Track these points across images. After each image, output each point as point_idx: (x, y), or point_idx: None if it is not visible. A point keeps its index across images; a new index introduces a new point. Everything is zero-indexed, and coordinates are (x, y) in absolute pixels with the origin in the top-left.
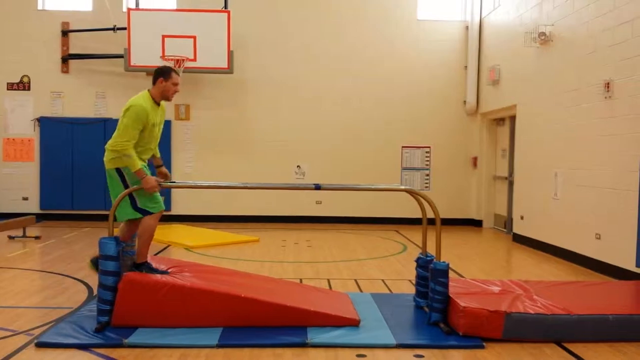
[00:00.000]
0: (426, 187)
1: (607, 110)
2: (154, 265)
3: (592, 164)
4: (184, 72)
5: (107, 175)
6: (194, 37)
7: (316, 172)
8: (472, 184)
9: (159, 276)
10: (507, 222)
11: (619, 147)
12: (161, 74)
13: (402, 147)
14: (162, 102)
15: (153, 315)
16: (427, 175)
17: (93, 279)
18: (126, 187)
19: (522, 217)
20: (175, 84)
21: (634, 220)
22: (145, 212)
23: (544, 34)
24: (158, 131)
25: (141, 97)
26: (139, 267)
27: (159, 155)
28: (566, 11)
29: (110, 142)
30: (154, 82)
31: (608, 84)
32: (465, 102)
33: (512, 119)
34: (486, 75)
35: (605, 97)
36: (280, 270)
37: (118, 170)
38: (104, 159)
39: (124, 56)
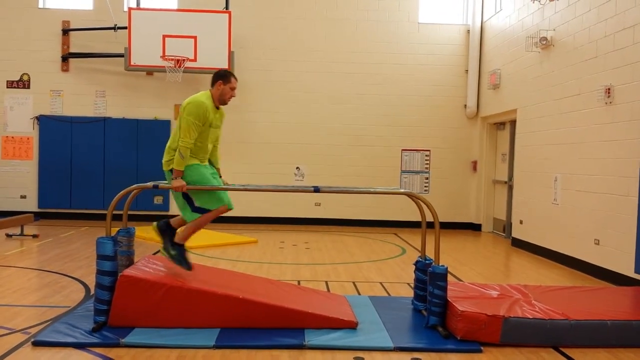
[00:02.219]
0: (425, 190)
1: (608, 116)
2: (185, 254)
3: (592, 169)
4: (184, 72)
5: (167, 177)
6: (195, 38)
7: (315, 174)
8: (471, 188)
9: (156, 276)
10: (506, 227)
11: (619, 152)
12: (220, 77)
13: (402, 150)
14: (222, 107)
15: (150, 315)
16: (427, 178)
17: (90, 279)
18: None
19: (521, 222)
20: (233, 89)
21: (633, 226)
22: (204, 211)
23: (545, 38)
24: (216, 134)
25: (202, 94)
26: (175, 246)
27: (219, 165)
28: (568, 16)
29: (170, 141)
30: (213, 84)
31: (609, 89)
32: (465, 105)
33: (513, 123)
34: (487, 79)
35: (606, 103)
36: (278, 272)
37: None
38: (163, 160)
39: (125, 55)
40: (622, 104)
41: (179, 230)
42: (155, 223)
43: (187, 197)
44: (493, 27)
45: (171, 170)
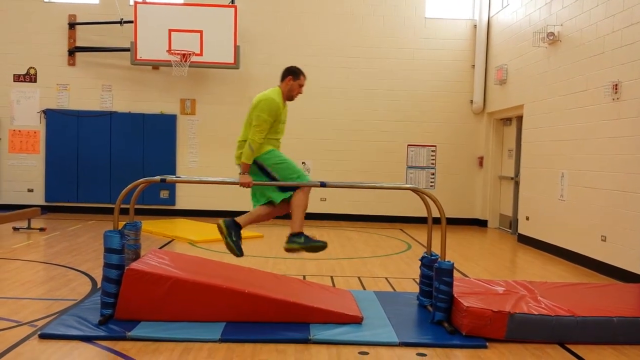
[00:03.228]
0: (431, 186)
1: (615, 112)
2: (310, 235)
3: (599, 165)
4: (190, 66)
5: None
6: (201, 32)
7: (321, 169)
8: (477, 183)
9: (163, 270)
10: (513, 223)
11: (626, 149)
12: (291, 73)
13: (408, 145)
14: (287, 102)
15: (156, 308)
16: (433, 174)
17: (97, 272)
18: (267, 175)
19: (527, 218)
20: (301, 85)
21: None
22: (293, 189)
23: (552, 34)
24: (283, 129)
25: (273, 91)
26: (297, 235)
27: None
28: (575, 12)
29: (241, 136)
30: (282, 79)
31: (616, 85)
32: (472, 101)
33: (519, 119)
34: (493, 75)
35: (613, 99)
36: (284, 267)
37: (255, 162)
38: (237, 154)
39: (131, 50)
40: (629, 100)
41: (291, 222)
42: (221, 220)
43: (271, 178)
44: (500, 22)
45: (255, 162)
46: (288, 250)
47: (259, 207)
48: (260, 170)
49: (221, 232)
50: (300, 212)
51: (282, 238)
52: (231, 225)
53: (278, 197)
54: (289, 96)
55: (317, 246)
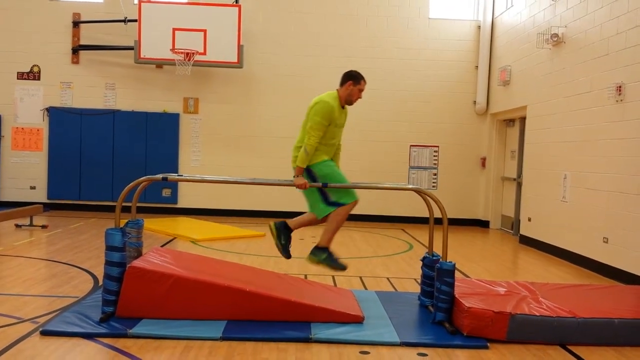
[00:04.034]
0: (433, 186)
1: (619, 114)
2: (333, 253)
3: (602, 167)
4: (193, 65)
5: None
6: (205, 31)
7: None
8: (480, 184)
9: (164, 268)
10: (515, 224)
11: (629, 150)
12: (351, 77)
13: (411, 145)
14: (346, 106)
15: (158, 306)
16: (435, 174)
17: (99, 270)
18: (316, 183)
19: (529, 219)
20: (361, 90)
21: None
22: (339, 205)
23: (556, 35)
24: (340, 133)
25: (329, 95)
26: (322, 250)
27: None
28: (579, 13)
29: (297, 140)
30: (342, 84)
31: (620, 87)
32: (475, 102)
33: (522, 120)
34: (497, 76)
35: (617, 101)
36: (285, 266)
37: (307, 169)
38: (293, 159)
39: (134, 48)
40: (633, 102)
41: (322, 235)
42: (272, 223)
43: (322, 191)
44: (504, 23)
45: (306, 168)
46: (309, 261)
47: (310, 213)
48: (309, 178)
49: (272, 234)
50: (335, 228)
51: None
52: (281, 228)
53: (321, 212)
54: (348, 101)
55: (336, 268)
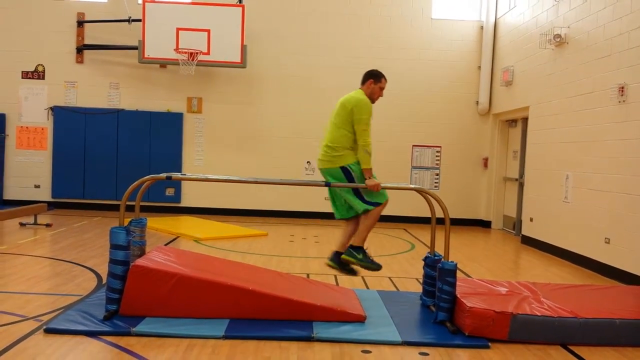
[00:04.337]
0: (436, 186)
1: (621, 115)
2: (368, 253)
3: (604, 168)
4: (197, 65)
5: (327, 175)
6: (208, 31)
7: None
8: (482, 184)
9: (167, 267)
10: (516, 224)
11: (631, 151)
12: (372, 76)
13: (413, 145)
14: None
15: (161, 305)
16: (437, 174)
17: (102, 268)
18: (352, 183)
19: (531, 219)
20: (382, 89)
21: None
22: (375, 204)
23: (559, 35)
24: None
25: (360, 92)
26: (357, 250)
27: None
28: (582, 14)
29: (327, 140)
30: (364, 83)
31: (622, 88)
32: (477, 102)
33: (525, 120)
34: (499, 76)
35: (620, 101)
36: (288, 265)
37: (343, 168)
38: (323, 158)
39: (139, 48)
40: (635, 103)
41: (356, 234)
42: (329, 262)
43: (357, 192)
44: (507, 23)
45: (342, 168)
46: (344, 261)
47: (348, 225)
48: (345, 178)
49: (342, 269)
50: (369, 228)
51: (286, 236)
52: (349, 254)
53: (361, 206)
54: (370, 99)
55: (372, 268)
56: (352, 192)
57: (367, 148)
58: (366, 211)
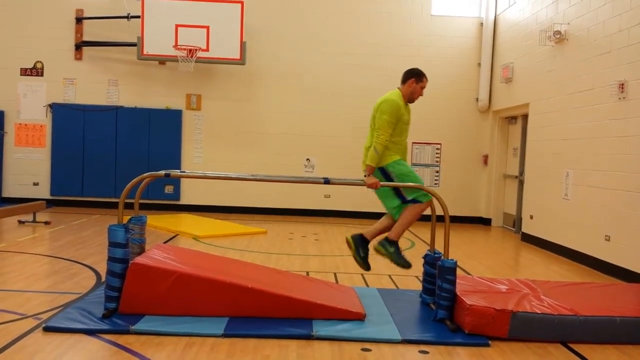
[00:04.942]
0: (435, 183)
1: (621, 112)
2: (401, 249)
3: (604, 165)
4: (196, 62)
5: (376, 175)
6: (207, 28)
7: (325, 166)
8: (482, 182)
9: (167, 265)
10: (516, 222)
11: (631, 148)
12: (414, 75)
13: (413, 142)
14: (409, 104)
15: (160, 303)
16: (437, 172)
17: (101, 266)
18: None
19: (531, 217)
20: (423, 88)
21: None
22: (416, 202)
23: (559, 32)
24: (407, 130)
25: (393, 94)
26: (391, 243)
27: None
28: (582, 10)
29: (367, 142)
30: (404, 82)
31: (622, 84)
32: (477, 99)
33: (525, 117)
34: (499, 73)
35: (620, 98)
36: (287, 263)
37: (382, 169)
38: (367, 161)
39: (137, 44)
40: (635, 100)
41: (393, 228)
42: (349, 236)
43: (398, 191)
44: (506, 20)
45: (380, 169)
46: (376, 250)
47: (384, 220)
48: (384, 177)
49: (349, 248)
50: (407, 224)
51: (285, 234)
52: (358, 241)
53: (398, 212)
54: (410, 98)
55: (401, 264)
56: (394, 192)
57: (378, 147)
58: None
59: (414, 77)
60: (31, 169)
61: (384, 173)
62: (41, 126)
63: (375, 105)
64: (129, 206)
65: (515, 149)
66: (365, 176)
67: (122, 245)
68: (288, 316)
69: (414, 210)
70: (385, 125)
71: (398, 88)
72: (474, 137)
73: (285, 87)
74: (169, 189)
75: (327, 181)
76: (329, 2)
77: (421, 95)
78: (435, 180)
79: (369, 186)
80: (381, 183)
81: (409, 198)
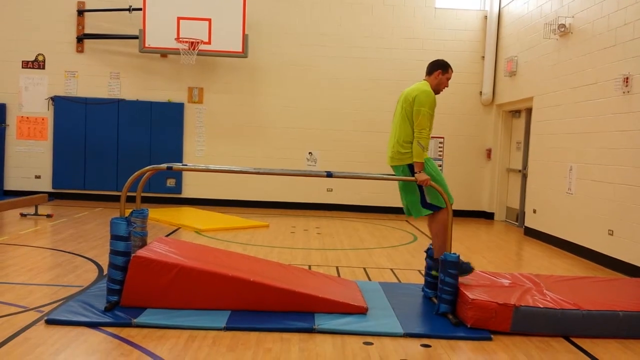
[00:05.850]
0: None
1: (625, 105)
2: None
3: (608, 159)
4: (198, 55)
5: (397, 172)
6: (209, 20)
7: (328, 160)
8: (485, 176)
9: (169, 258)
10: (519, 216)
11: (635, 142)
12: (440, 66)
13: None
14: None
15: (162, 296)
16: (440, 165)
17: (103, 259)
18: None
19: (534, 211)
20: (449, 79)
21: None
22: (434, 208)
23: (563, 25)
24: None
25: (424, 84)
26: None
27: None
28: (587, 3)
29: (396, 135)
30: (430, 73)
31: (627, 78)
32: (481, 92)
33: (529, 111)
34: (503, 66)
35: (624, 92)
36: (289, 257)
37: (410, 166)
38: (393, 155)
39: (139, 37)
40: None
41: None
42: (433, 271)
43: (421, 191)
44: (511, 13)
45: (410, 166)
46: (434, 277)
47: (430, 226)
48: (411, 175)
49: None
50: (443, 238)
51: (287, 227)
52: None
53: (417, 213)
54: (436, 90)
55: (465, 270)
56: (418, 191)
57: (422, 141)
58: (420, 213)
59: (441, 69)
60: (33, 162)
61: (411, 170)
62: (43, 119)
63: (401, 97)
64: (130, 199)
65: (519, 142)
66: (416, 172)
67: (124, 239)
68: (290, 310)
69: (439, 223)
70: (427, 118)
71: (424, 79)
72: (478, 130)
73: (288, 80)
74: (170, 182)
75: (329, 174)
76: None
77: (447, 86)
78: None
79: (420, 182)
80: (430, 182)
81: (429, 201)
